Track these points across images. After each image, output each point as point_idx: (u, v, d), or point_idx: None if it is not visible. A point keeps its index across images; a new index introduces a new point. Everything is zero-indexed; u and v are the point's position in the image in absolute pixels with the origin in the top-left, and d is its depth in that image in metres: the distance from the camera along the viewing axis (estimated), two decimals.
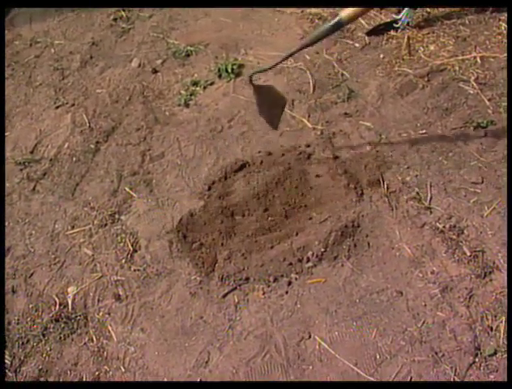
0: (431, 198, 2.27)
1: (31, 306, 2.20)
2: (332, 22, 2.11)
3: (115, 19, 3.50)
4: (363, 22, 3.13)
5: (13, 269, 2.32)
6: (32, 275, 2.30)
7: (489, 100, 2.60)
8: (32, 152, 2.77)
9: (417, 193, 2.29)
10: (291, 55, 2.17)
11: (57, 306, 2.17)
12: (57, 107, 2.99)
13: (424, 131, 2.52)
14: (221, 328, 2.01)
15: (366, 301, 2.02)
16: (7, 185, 2.65)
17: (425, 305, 1.98)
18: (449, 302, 1.97)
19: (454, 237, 2.13)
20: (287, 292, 2.07)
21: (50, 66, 3.26)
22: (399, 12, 3.11)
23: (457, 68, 2.80)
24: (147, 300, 2.13)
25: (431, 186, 2.31)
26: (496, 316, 1.92)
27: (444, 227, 2.17)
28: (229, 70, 2.91)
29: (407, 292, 2.02)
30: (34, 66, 3.29)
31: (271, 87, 2.41)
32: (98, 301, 2.17)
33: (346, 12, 2.10)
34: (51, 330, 2.11)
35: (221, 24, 3.06)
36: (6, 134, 2.90)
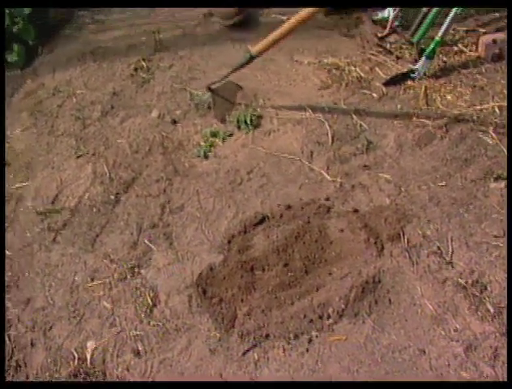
0: (452, 253, 2.25)
1: (49, 360, 2.20)
2: (244, 57, 2.89)
3: (135, 69, 3.57)
4: (380, 72, 3.16)
5: (32, 321, 2.33)
6: (51, 328, 2.30)
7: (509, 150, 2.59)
8: (53, 202, 2.80)
9: (438, 247, 2.27)
10: (230, 74, 2.98)
11: (76, 361, 2.16)
12: (78, 157, 3.03)
13: (443, 183, 2.51)
14: None
15: (388, 359, 1.98)
16: (28, 235, 2.67)
17: (449, 364, 1.94)
18: (473, 362, 1.93)
19: (477, 293, 2.10)
20: (307, 350, 2.04)
21: (72, 116, 3.31)
22: (416, 62, 3.14)
23: (475, 118, 2.80)
24: (167, 356, 2.12)
25: (452, 240, 2.29)
26: None
27: (466, 283, 2.14)
28: (248, 122, 2.93)
29: (430, 350, 1.99)
30: (56, 115, 3.36)
31: (228, 82, 3.07)
32: (117, 356, 2.16)
33: (255, 48, 2.83)
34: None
35: (239, 74, 3.09)
36: (27, 183, 2.94)
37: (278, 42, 2.78)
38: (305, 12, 2.64)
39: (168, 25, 3.95)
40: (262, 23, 3.84)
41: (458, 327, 2.03)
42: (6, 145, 3.22)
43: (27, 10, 3.82)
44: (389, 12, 3.43)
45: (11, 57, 3.81)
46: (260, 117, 3.00)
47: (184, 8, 4.07)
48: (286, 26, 2.71)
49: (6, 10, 3.79)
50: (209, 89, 3.03)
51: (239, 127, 2.96)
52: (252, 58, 2.88)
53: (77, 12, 4.31)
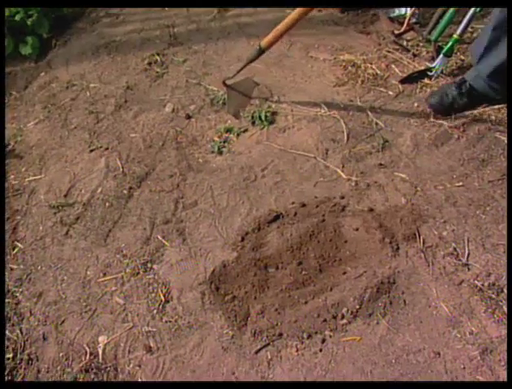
0: (468, 255, 2.22)
1: (61, 355, 2.19)
2: (255, 50, 2.82)
3: (149, 63, 3.55)
4: (396, 70, 3.13)
5: (44, 315, 2.32)
6: (63, 322, 2.29)
7: None
8: (65, 196, 2.79)
9: (454, 248, 2.24)
10: (240, 70, 2.91)
11: (88, 356, 2.15)
12: (92, 150, 3.01)
13: (460, 184, 2.48)
14: None
15: (403, 361, 1.96)
16: (40, 228, 2.67)
17: (464, 367, 1.91)
18: (489, 365, 1.91)
19: (494, 295, 2.07)
20: (321, 350, 2.02)
21: (85, 110, 3.30)
22: (433, 60, 3.11)
23: (493, 117, 2.76)
24: (179, 353, 2.10)
25: (468, 242, 2.26)
26: None
27: (483, 285, 2.11)
28: (263, 118, 2.91)
29: (445, 353, 1.96)
30: (70, 108, 3.35)
31: (245, 78, 3.04)
32: (129, 352, 2.14)
33: (264, 41, 2.76)
34: (81, 380, 2.09)
35: (254, 70, 3.08)
36: (40, 176, 2.93)
37: (285, 33, 2.74)
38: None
39: (182, 19, 3.94)
40: None
41: (473, 329, 2.00)
42: (19, 138, 3.21)
43: None
44: (406, 9, 3.40)
45: (25, 50, 3.81)
46: (275, 113, 2.98)
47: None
48: (291, 16, 2.67)
49: None
50: (224, 84, 3.01)
51: (253, 123, 2.94)
52: (262, 51, 2.84)
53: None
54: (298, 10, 2.64)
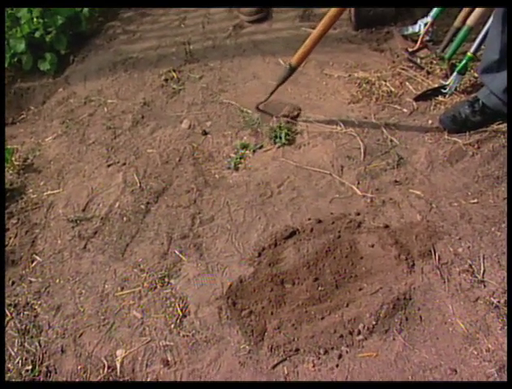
0: (484, 271, 2.23)
1: (79, 368, 2.21)
2: (285, 69, 2.95)
3: (166, 80, 3.60)
4: (410, 87, 3.16)
5: (62, 328, 2.35)
6: (81, 335, 2.32)
7: None
8: (83, 210, 2.83)
9: (470, 265, 2.25)
10: (273, 92, 3.06)
11: (106, 369, 2.18)
12: (109, 165, 3.06)
13: (475, 201, 2.49)
14: None
15: (419, 378, 1.96)
16: (59, 242, 2.71)
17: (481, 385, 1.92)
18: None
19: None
20: (337, 366, 2.03)
21: (103, 125, 3.35)
22: (447, 77, 3.14)
23: (507, 134, 2.77)
24: (196, 367, 2.12)
25: (484, 259, 2.27)
26: None
27: (499, 302, 2.12)
28: (282, 136, 2.94)
29: (462, 370, 1.97)
30: (88, 124, 3.40)
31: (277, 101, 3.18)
32: (146, 365, 2.17)
33: (294, 58, 2.89)
34: None
35: (269, 87, 3.11)
36: (58, 190, 2.98)
37: (313, 48, 2.83)
38: (330, 14, 2.71)
39: (198, 37, 4.00)
40: (280, 19, 4.03)
41: (490, 347, 2.01)
42: (37, 152, 3.27)
43: (60, 20, 3.88)
44: (420, 27, 3.43)
45: (44, 66, 3.88)
46: (290, 130, 3.01)
47: (214, 20, 4.12)
48: (317, 30, 2.75)
49: (40, 20, 3.87)
50: (258, 109, 3.11)
51: (269, 140, 2.97)
52: (293, 69, 2.92)
53: (108, 23, 4.38)
54: (319, 28, 2.70)
